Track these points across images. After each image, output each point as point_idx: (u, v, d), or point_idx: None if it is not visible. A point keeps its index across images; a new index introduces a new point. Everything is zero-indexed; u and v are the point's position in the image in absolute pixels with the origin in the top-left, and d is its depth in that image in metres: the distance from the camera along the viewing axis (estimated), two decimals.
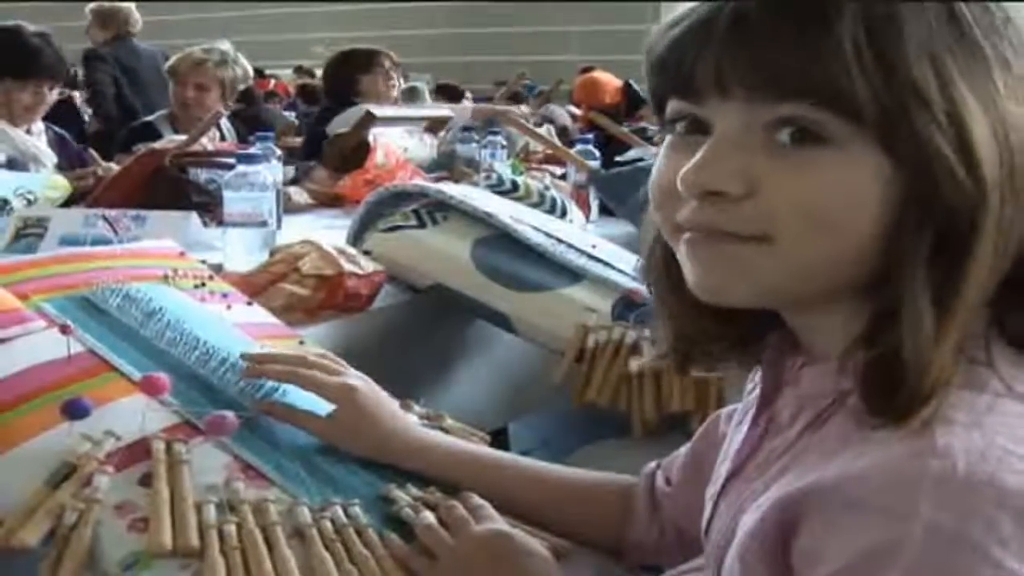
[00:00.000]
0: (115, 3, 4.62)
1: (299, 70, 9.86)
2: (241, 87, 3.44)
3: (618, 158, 2.50)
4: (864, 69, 0.52)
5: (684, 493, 0.87)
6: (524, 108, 4.24)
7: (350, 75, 3.70)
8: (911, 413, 0.53)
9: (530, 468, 0.96)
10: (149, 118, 3.32)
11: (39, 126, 2.69)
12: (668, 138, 0.62)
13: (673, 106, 0.61)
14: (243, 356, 0.99)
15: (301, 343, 1.15)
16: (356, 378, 0.98)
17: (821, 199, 0.55)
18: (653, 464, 0.93)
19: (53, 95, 2.65)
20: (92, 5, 4.67)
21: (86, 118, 4.67)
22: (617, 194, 2.14)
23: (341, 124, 2.87)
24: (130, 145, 2.92)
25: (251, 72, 3.51)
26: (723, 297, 0.61)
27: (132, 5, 4.65)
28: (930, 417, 0.53)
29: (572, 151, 2.38)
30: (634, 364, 1.33)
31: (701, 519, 0.74)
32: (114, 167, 2.37)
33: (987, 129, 0.54)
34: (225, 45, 3.31)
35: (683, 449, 0.90)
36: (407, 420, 0.98)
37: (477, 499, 0.88)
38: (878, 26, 0.53)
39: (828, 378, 0.61)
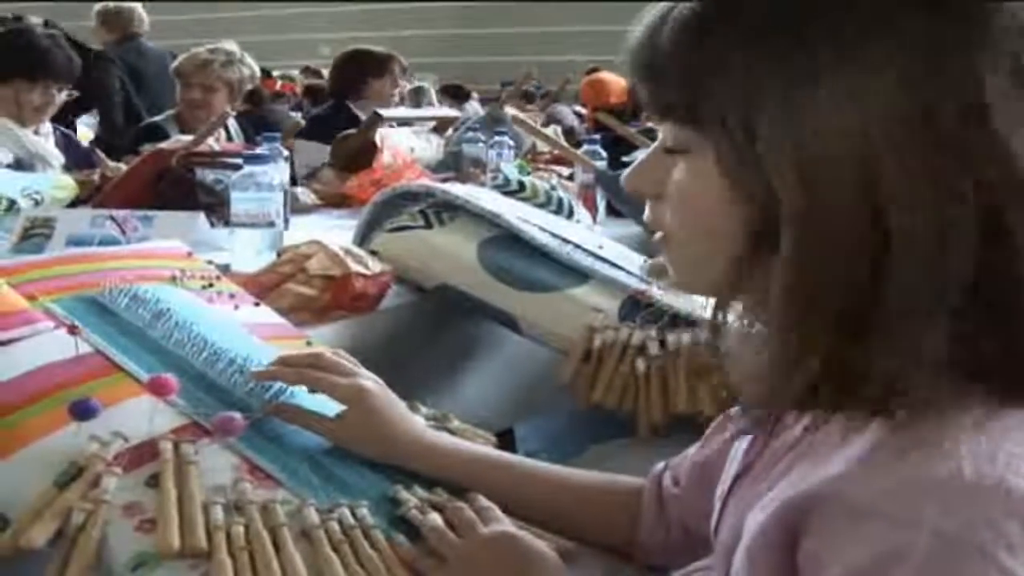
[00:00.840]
0: (120, 3, 4.61)
1: (306, 71, 9.86)
2: (248, 87, 3.43)
3: (625, 158, 2.49)
4: (681, 86, 0.59)
5: (692, 494, 0.87)
6: (529, 107, 4.23)
7: (359, 76, 3.68)
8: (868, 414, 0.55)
9: (537, 470, 0.96)
10: (156, 119, 3.32)
11: (46, 127, 2.68)
12: None
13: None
14: (253, 374, 0.98)
15: (308, 343, 1.15)
16: (367, 379, 0.98)
17: (688, 199, 0.62)
18: (661, 465, 0.93)
19: (62, 96, 2.65)
20: (98, 7, 4.66)
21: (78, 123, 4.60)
22: (622, 194, 2.14)
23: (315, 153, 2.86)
24: (137, 146, 2.92)
25: (258, 72, 3.50)
26: (679, 288, 0.69)
27: (138, 5, 4.65)
28: (936, 420, 0.52)
29: (579, 151, 2.37)
30: (641, 365, 1.33)
31: (709, 520, 0.74)
32: (122, 167, 2.38)
33: (788, 141, 0.55)
34: (231, 45, 3.30)
35: (691, 450, 0.90)
36: (416, 422, 0.98)
37: (484, 500, 0.88)
38: (691, 44, 0.58)
39: None
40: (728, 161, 0.58)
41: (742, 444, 0.71)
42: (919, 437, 0.52)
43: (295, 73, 10.16)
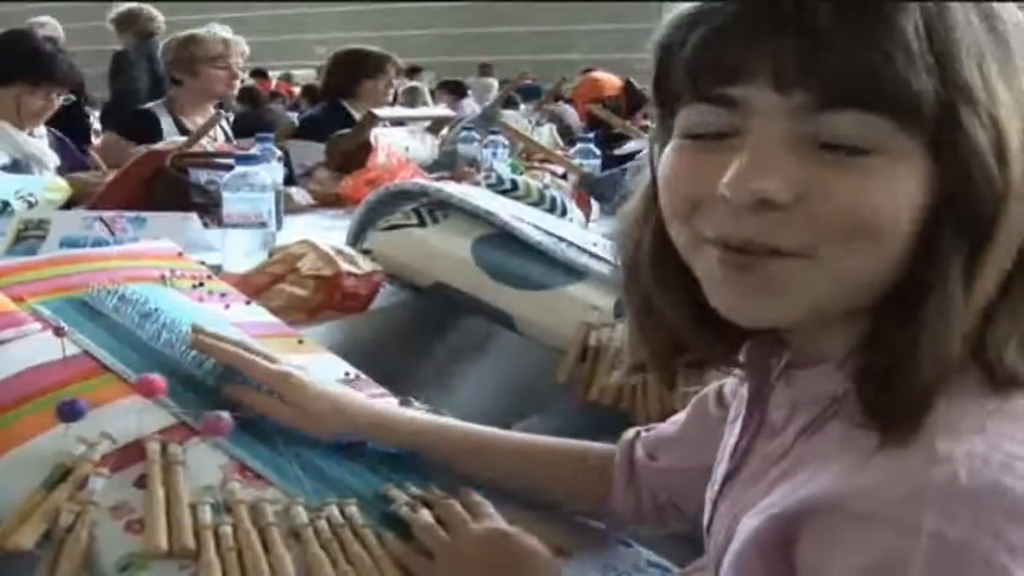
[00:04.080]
0: (132, 4, 4.74)
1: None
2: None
3: (616, 152, 2.48)
4: (928, 72, 0.51)
5: (672, 471, 0.87)
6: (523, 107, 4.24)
7: (354, 76, 3.67)
8: (911, 416, 0.52)
9: (499, 436, 0.96)
10: (148, 105, 3.28)
11: (40, 129, 2.69)
12: (679, 143, 0.59)
13: (701, 109, 0.57)
14: (193, 328, 0.99)
15: (300, 343, 1.15)
16: (293, 367, 0.98)
17: (868, 205, 0.53)
18: (631, 433, 0.93)
19: (59, 101, 2.66)
20: (111, 13, 4.79)
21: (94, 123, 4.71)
22: (606, 196, 2.13)
23: (310, 153, 2.86)
24: (133, 133, 2.92)
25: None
26: (761, 318, 0.58)
27: (150, 5, 4.77)
28: (931, 424, 0.52)
29: (573, 149, 2.37)
30: None
31: (688, 494, 0.74)
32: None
33: (1016, 127, 0.53)
34: (216, 26, 3.29)
35: (669, 426, 0.90)
36: (359, 395, 0.98)
37: (476, 497, 0.87)
38: (935, 27, 0.52)
39: (823, 381, 0.60)
40: (957, 153, 0.52)
41: (729, 443, 0.70)
42: (916, 443, 0.52)
43: (296, 73, 10.23)
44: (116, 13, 4.85)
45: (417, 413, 0.99)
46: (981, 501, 0.48)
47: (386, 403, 1.02)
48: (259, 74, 8.73)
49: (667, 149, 0.60)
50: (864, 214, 0.53)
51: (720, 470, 0.70)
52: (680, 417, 0.89)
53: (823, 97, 0.52)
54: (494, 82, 7.97)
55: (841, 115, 0.52)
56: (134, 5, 4.86)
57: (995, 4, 0.55)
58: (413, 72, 9.43)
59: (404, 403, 1.03)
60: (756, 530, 0.56)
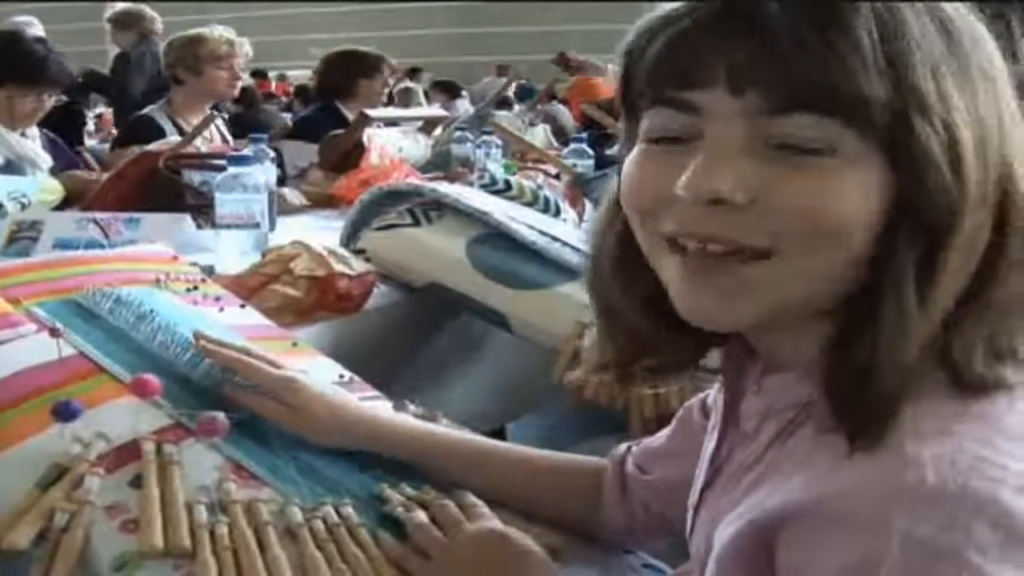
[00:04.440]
0: (129, 5, 4.76)
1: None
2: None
3: (610, 152, 2.48)
4: (880, 77, 0.52)
5: (662, 483, 0.87)
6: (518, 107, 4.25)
7: (349, 76, 3.67)
8: (877, 421, 0.53)
9: (495, 448, 0.96)
10: (145, 110, 3.28)
11: (33, 130, 2.69)
12: (641, 147, 0.60)
13: (661, 113, 0.58)
14: (195, 334, 0.98)
15: (294, 345, 1.15)
16: (296, 372, 0.97)
17: (822, 206, 0.53)
18: (622, 448, 0.93)
19: (51, 102, 2.66)
20: (108, 13, 4.80)
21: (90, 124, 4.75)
22: (598, 196, 2.13)
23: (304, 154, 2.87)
24: (133, 138, 2.92)
25: None
26: (725, 321, 0.59)
27: (146, 5, 4.79)
28: (899, 427, 0.52)
29: (567, 150, 2.37)
30: None
31: (679, 506, 0.74)
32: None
33: (970, 136, 0.54)
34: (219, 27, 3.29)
35: (657, 439, 0.90)
36: (355, 401, 0.98)
37: (471, 497, 0.87)
38: (889, 32, 0.53)
39: (792, 387, 0.61)
40: (910, 158, 0.53)
41: (706, 452, 0.71)
42: (886, 447, 0.52)
43: (290, 74, 10.25)
44: (115, 13, 4.86)
45: (413, 421, 0.99)
46: (950, 502, 0.49)
47: (382, 408, 1.01)
48: (259, 75, 8.74)
49: (631, 153, 0.61)
50: (818, 214, 0.54)
51: (699, 478, 0.71)
52: (668, 430, 0.89)
53: (776, 100, 0.53)
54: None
55: (794, 118, 0.53)
56: (131, 5, 4.87)
57: (952, 15, 0.56)
58: (413, 73, 9.46)
59: (399, 406, 1.03)
60: (734, 536, 0.57)
